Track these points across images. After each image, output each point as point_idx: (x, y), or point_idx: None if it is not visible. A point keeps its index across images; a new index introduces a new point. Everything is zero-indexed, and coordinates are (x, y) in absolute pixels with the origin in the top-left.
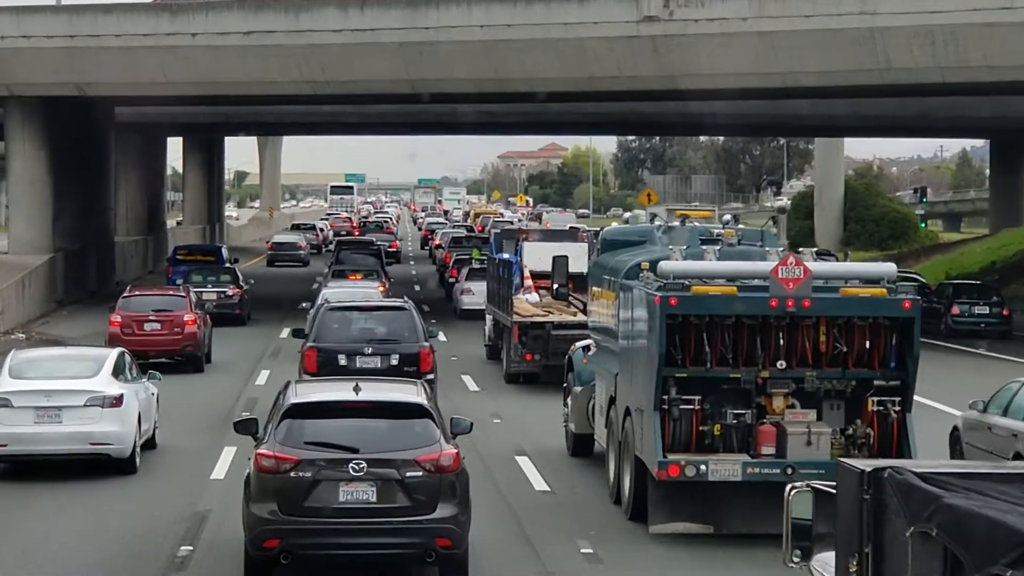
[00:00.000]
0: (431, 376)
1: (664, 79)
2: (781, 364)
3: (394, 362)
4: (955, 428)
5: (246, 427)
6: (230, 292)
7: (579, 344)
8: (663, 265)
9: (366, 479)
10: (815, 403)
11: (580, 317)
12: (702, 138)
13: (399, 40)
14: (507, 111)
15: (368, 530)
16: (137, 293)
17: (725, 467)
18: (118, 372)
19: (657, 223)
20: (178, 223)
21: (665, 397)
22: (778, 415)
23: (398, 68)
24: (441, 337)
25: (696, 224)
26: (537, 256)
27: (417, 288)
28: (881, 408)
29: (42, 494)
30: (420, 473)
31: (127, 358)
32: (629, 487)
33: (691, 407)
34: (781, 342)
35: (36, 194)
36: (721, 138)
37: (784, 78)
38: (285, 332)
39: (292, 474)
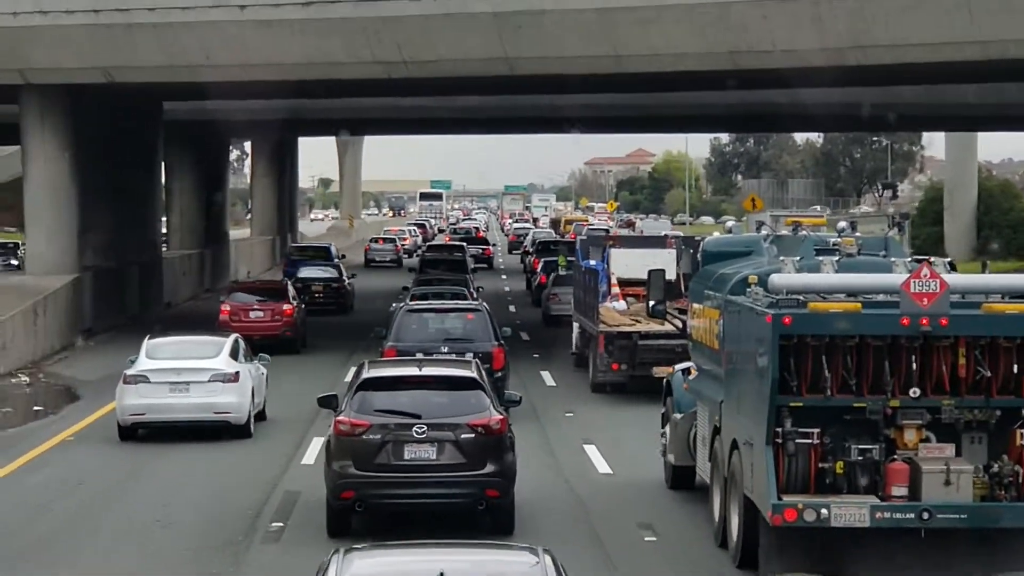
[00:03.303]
0: (501, 374)
1: (829, 54)
2: (914, 392)
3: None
4: None
5: (327, 402)
6: (336, 284)
7: (679, 367)
8: (774, 278)
9: (427, 440)
10: (954, 436)
11: (668, 327)
12: (799, 141)
13: (493, 9)
14: (614, 103)
15: (429, 483)
16: (242, 286)
17: (850, 511)
18: (235, 354)
19: (764, 232)
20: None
21: (779, 430)
22: (911, 450)
23: (492, 44)
24: (549, 380)
25: (809, 232)
26: (624, 263)
27: (512, 309)
28: None
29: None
30: (472, 435)
31: (241, 343)
32: (738, 530)
33: (809, 441)
34: (914, 366)
35: (58, 203)
36: (820, 140)
37: (986, 48)
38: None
39: (365, 437)
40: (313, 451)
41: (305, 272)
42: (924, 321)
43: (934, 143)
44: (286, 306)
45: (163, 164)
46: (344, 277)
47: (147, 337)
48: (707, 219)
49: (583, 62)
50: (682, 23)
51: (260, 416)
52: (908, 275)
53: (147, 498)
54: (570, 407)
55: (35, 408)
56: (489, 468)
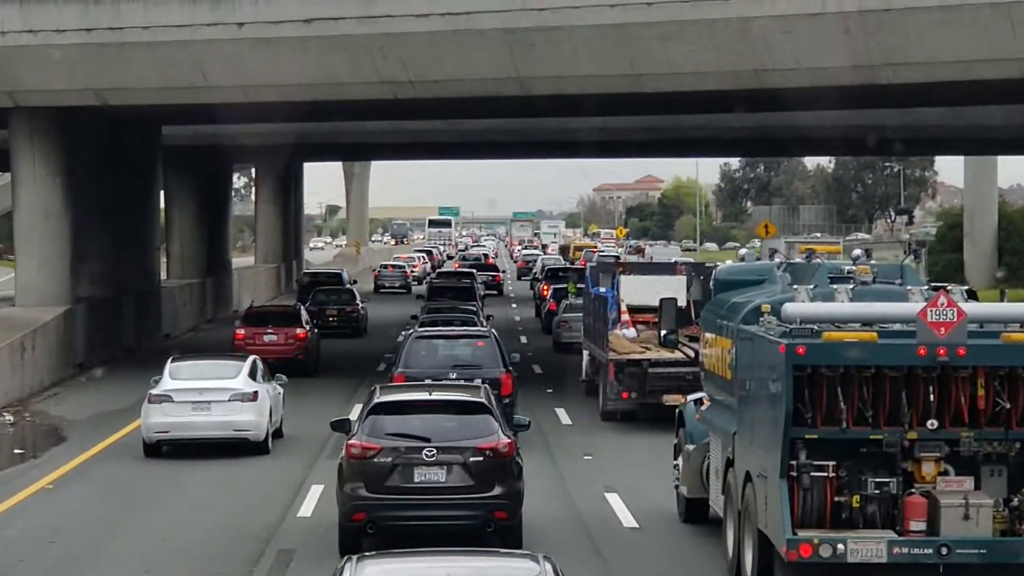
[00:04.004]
0: (509, 400)
1: (859, 72)
2: (932, 423)
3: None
4: None
5: (340, 426)
6: (349, 309)
7: (691, 397)
8: (788, 307)
9: (437, 463)
10: (973, 469)
11: (678, 354)
12: (809, 166)
13: (504, 26)
14: (625, 126)
15: (438, 505)
16: (257, 310)
17: (867, 546)
18: (253, 374)
19: (777, 259)
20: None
21: (793, 462)
22: (929, 484)
23: (503, 62)
24: (564, 418)
25: (823, 259)
26: (634, 290)
27: (524, 339)
28: None
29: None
30: (481, 458)
31: (259, 364)
32: (752, 565)
33: (824, 474)
34: (931, 397)
35: (50, 231)
36: (831, 166)
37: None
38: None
39: (376, 460)
40: (311, 502)
41: (319, 297)
42: (941, 351)
43: (946, 168)
44: (299, 330)
45: (162, 190)
46: (357, 301)
47: (170, 359)
48: (711, 246)
49: (599, 81)
50: (703, 39)
51: (277, 433)
52: (925, 304)
53: (131, 554)
54: (588, 448)
55: (17, 451)
56: (497, 490)
